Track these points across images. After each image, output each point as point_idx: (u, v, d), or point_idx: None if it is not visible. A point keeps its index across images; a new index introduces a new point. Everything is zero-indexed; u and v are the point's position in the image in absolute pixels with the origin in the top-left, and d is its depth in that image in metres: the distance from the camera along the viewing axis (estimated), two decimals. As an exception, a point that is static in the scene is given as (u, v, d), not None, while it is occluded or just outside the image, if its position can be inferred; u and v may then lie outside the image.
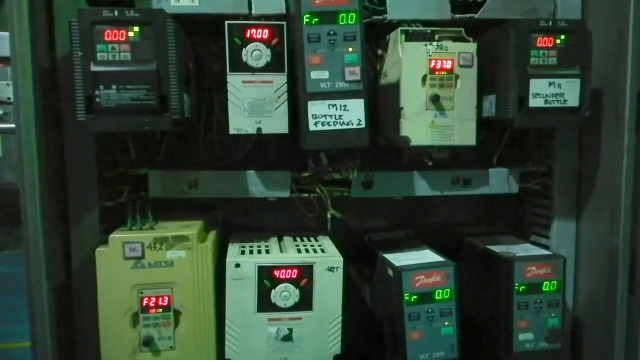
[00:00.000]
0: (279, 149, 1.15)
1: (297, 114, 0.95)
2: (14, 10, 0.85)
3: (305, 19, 0.90)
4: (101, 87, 0.86)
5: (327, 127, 0.91)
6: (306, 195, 1.08)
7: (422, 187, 1.10)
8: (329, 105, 0.91)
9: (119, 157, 1.05)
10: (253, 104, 0.96)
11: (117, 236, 0.93)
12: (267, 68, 0.95)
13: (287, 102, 0.96)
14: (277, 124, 0.97)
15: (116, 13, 0.86)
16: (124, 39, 0.87)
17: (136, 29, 0.87)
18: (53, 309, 0.92)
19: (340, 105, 0.91)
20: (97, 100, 0.86)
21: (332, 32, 0.91)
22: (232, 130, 0.96)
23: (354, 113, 0.92)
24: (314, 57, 0.91)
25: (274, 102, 0.96)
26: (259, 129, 0.97)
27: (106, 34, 0.87)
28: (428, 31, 1.04)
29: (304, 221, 1.13)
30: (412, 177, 1.10)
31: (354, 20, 0.91)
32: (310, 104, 0.91)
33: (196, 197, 1.06)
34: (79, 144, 0.99)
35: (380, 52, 1.13)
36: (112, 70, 0.87)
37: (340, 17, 0.91)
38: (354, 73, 0.91)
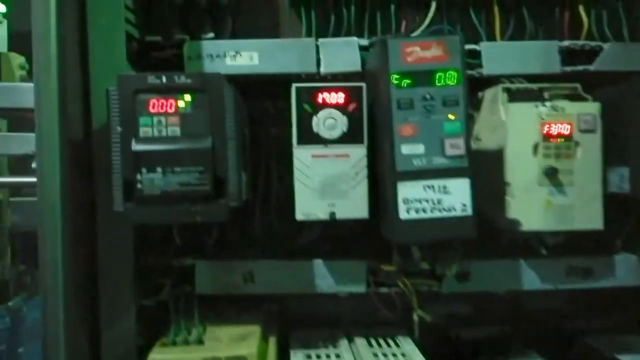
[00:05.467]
0: (351, 231, 0.95)
1: (378, 195, 0.77)
2: (40, 76, 0.71)
3: (394, 80, 0.72)
4: (143, 170, 0.69)
5: (422, 215, 0.72)
6: (385, 289, 0.88)
7: (530, 280, 0.88)
8: (424, 187, 0.72)
9: (161, 245, 0.87)
10: (325, 182, 0.78)
11: (158, 357, 0.74)
12: (343, 139, 0.77)
13: (366, 179, 0.78)
14: (355, 206, 0.78)
15: (164, 79, 0.70)
16: (172, 110, 0.70)
17: (187, 97, 0.70)
18: None
19: (439, 187, 0.72)
20: (139, 186, 0.69)
21: (427, 96, 0.72)
22: (300, 216, 0.78)
23: (457, 196, 0.72)
24: (406, 127, 0.72)
25: (350, 179, 0.78)
26: (332, 214, 0.78)
27: (151, 104, 0.70)
28: (535, 88, 0.85)
29: (377, 312, 0.92)
30: (517, 266, 0.88)
31: (454, 80, 0.73)
32: (400, 185, 0.72)
33: (252, 292, 0.87)
34: (114, 232, 0.82)
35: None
36: (157, 149, 0.69)
37: (438, 77, 0.73)
38: (456, 146, 0.72)
